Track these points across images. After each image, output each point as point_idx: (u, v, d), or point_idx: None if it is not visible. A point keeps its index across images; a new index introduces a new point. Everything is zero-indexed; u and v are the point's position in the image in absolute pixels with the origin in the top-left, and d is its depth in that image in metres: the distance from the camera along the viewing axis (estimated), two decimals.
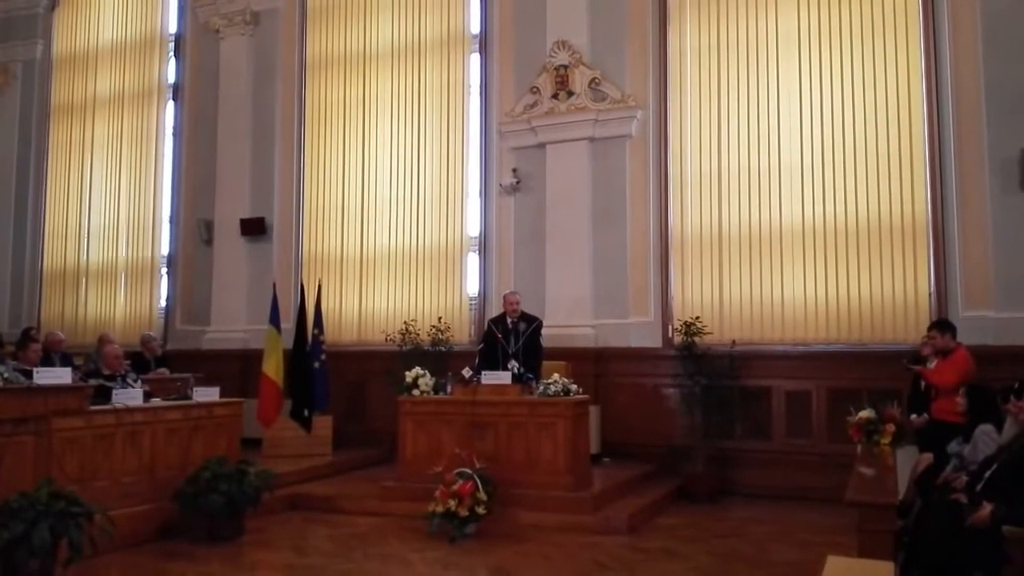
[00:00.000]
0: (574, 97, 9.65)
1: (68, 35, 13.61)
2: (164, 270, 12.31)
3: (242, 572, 5.77)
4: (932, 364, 6.88)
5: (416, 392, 7.66)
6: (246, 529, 6.63)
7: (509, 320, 8.07)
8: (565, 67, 9.70)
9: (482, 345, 8.31)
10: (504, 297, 8.38)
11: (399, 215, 10.79)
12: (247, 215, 11.44)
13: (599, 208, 9.56)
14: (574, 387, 7.32)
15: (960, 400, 5.92)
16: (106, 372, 7.21)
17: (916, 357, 7.09)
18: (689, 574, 5.64)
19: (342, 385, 10.20)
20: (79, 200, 13.12)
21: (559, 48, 9.77)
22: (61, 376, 6.10)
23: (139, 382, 7.42)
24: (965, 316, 7.80)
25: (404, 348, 9.76)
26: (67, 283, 13.03)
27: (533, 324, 8.07)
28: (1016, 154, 7.87)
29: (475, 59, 10.59)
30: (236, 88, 11.77)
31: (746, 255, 8.99)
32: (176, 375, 9.28)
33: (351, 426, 10.21)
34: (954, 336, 6.75)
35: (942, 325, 6.91)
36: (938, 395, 6.59)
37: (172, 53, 12.65)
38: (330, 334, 10.16)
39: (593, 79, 9.61)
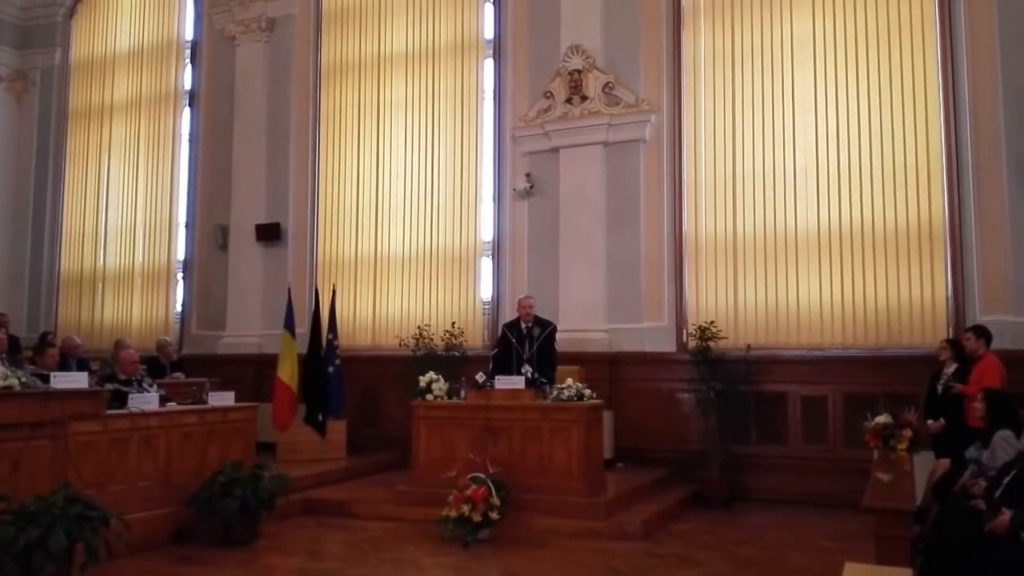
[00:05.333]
0: (588, 102, 9.64)
1: (86, 42, 13.73)
2: (180, 275, 12.39)
3: None
4: (951, 369, 6.92)
5: (430, 397, 7.65)
6: (261, 533, 6.65)
7: (523, 325, 8.06)
8: (579, 71, 9.70)
9: (496, 350, 8.31)
10: (518, 302, 8.37)
11: (413, 220, 10.81)
12: (262, 220, 11.50)
13: (613, 212, 9.54)
14: (588, 392, 7.31)
15: (979, 405, 5.87)
16: (122, 377, 7.22)
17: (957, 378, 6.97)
18: None
19: (356, 390, 10.20)
20: (96, 205, 13.22)
21: (573, 53, 9.76)
22: (78, 381, 6.13)
23: (155, 387, 7.43)
24: (983, 320, 7.70)
25: (418, 353, 9.77)
26: (84, 288, 13.13)
27: (547, 329, 8.05)
28: None
29: (489, 64, 10.60)
30: (252, 94, 11.84)
31: (761, 259, 8.95)
32: (191, 380, 9.29)
33: (365, 431, 10.23)
34: (988, 344, 6.78)
35: (979, 330, 6.93)
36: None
37: (188, 60, 12.75)
38: (344, 339, 10.17)
39: (607, 83, 9.60)
